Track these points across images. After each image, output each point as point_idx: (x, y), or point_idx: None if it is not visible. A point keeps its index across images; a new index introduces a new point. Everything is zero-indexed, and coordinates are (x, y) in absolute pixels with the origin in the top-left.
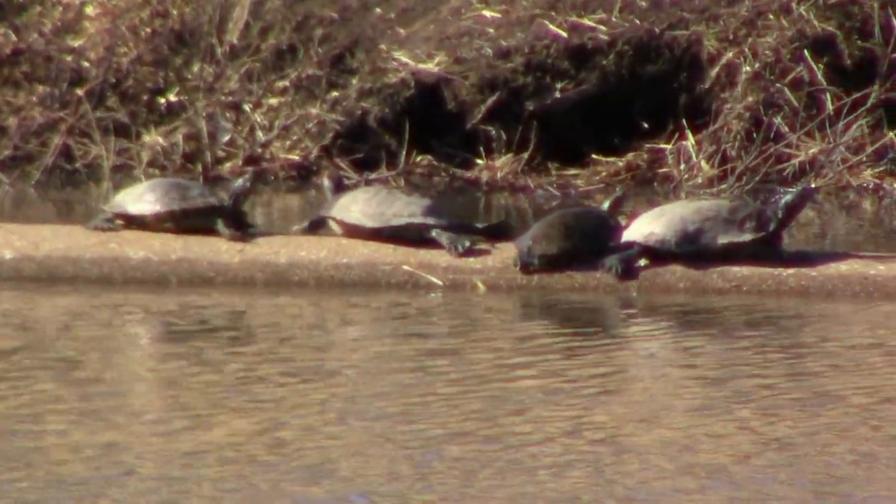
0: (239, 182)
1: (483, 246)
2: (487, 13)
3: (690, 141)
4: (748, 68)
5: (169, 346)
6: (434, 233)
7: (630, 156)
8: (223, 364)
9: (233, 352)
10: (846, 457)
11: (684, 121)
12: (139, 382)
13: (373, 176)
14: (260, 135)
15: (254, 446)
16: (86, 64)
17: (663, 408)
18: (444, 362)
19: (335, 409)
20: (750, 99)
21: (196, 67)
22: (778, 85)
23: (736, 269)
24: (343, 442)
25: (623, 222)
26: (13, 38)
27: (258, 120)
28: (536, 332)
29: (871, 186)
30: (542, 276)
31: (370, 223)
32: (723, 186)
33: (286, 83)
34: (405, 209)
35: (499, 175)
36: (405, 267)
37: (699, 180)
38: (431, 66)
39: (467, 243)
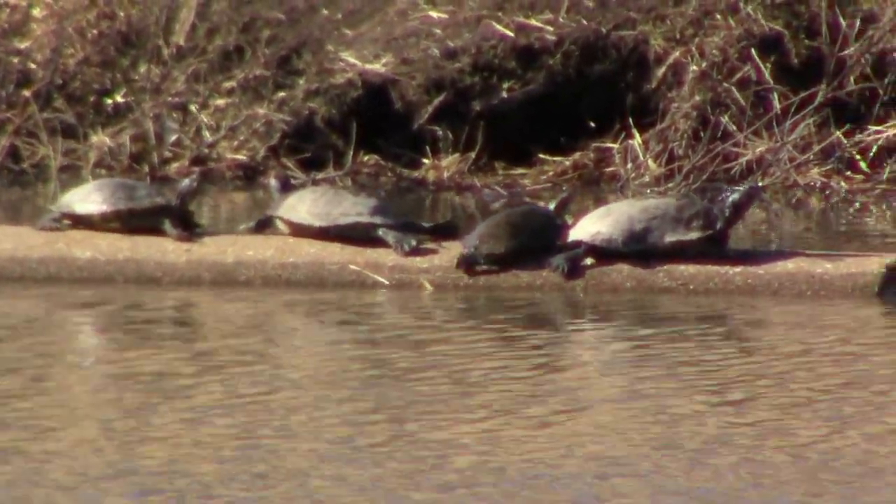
0: (186, 182)
1: (430, 245)
2: (434, 14)
3: (637, 140)
4: (695, 67)
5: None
6: (381, 232)
7: (577, 155)
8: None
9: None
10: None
11: (631, 120)
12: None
13: (320, 176)
14: (207, 135)
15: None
16: (32, 65)
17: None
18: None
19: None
20: (697, 98)
21: (143, 68)
22: (725, 84)
23: (683, 267)
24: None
25: (569, 221)
26: None
27: (205, 120)
28: (473, 329)
29: (818, 185)
30: (489, 275)
31: (317, 222)
32: (670, 185)
33: (233, 84)
34: (352, 209)
35: (445, 174)
36: (352, 266)
37: (646, 179)
38: (378, 67)
39: (414, 242)
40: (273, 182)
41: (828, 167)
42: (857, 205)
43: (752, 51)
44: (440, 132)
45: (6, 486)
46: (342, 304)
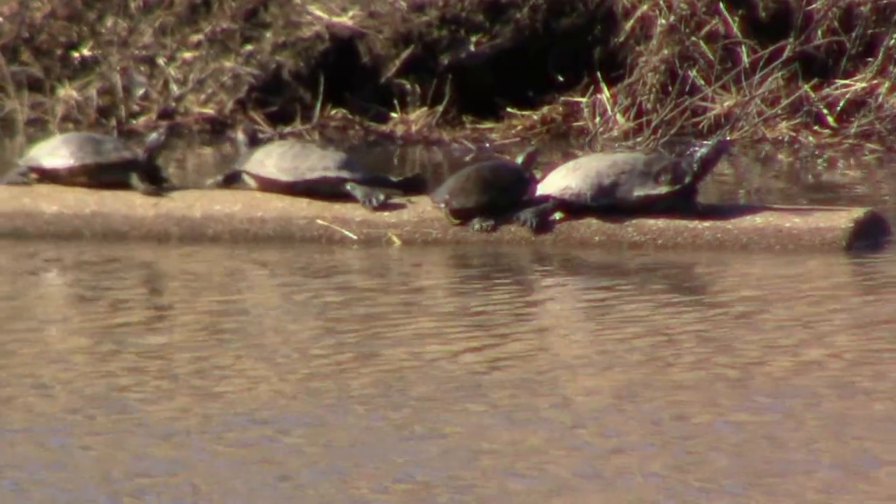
0: (153, 136)
1: (398, 200)
2: None
3: (606, 94)
4: (663, 21)
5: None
6: (349, 186)
7: (545, 109)
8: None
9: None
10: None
11: (599, 74)
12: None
13: (287, 130)
14: (174, 88)
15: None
16: None
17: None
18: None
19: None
20: (665, 52)
21: (110, 21)
22: (693, 38)
23: (651, 221)
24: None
25: (537, 176)
26: None
27: (172, 74)
28: (439, 283)
29: (786, 139)
30: (457, 230)
31: (284, 177)
32: (638, 140)
33: (200, 37)
34: (319, 163)
35: (413, 129)
36: (320, 221)
37: (615, 133)
38: (346, 20)
39: (382, 197)
40: (240, 136)
41: (796, 121)
42: (825, 159)
43: (720, 4)
44: (408, 86)
45: None
46: (309, 259)
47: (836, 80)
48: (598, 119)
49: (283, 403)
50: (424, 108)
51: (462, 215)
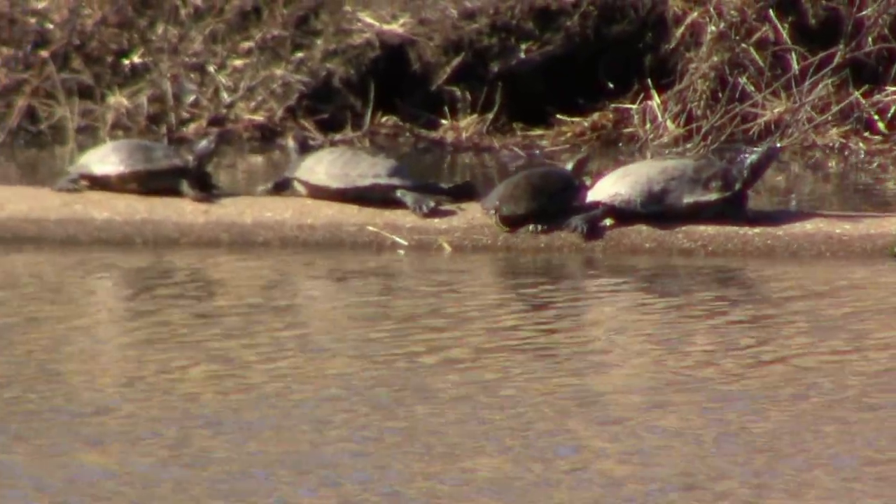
0: (203, 143)
1: (448, 206)
2: None
3: (656, 100)
4: (713, 28)
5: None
6: (399, 193)
7: (595, 116)
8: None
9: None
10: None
11: (650, 81)
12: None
13: (338, 137)
14: (224, 96)
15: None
16: (50, 26)
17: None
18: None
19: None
20: (715, 58)
21: (160, 29)
22: (743, 45)
23: (702, 228)
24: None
25: (587, 182)
26: None
27: (223, 81)
28: (495, 290)
29: (836, 146)
30: (507, 236)
31: (335, 184)
32: (688, 146)
33: (251, 44)
34: (370, 170)
35: (464, 135)
36: (370, 227)
37: (665, 140)
38: (396, 27)
39: (432, 203)
40: (291, 143)
41: (846, 128)
42: (876, 165)
43: (770, 11)
44: (458, 93)
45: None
46: (361, 265)
47: (887, 87)
48: (648, 125)
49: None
50: (475, 115)
51: (512, 222)
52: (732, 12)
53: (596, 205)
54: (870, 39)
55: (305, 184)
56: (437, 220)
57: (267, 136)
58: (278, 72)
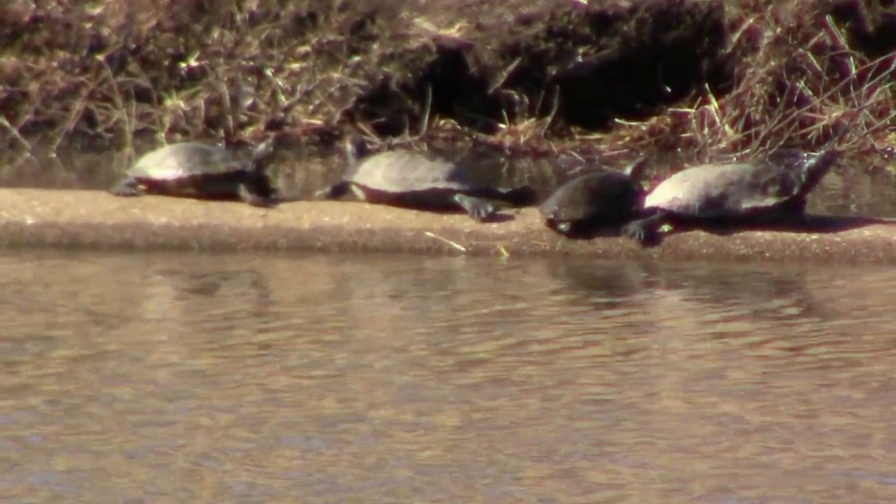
0: (261, 147)
1: (506, 211)
2: None
3: (714, 105)
4: (770, 33)
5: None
6: (457, 198)
7: (653, 120)
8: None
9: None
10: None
11: (707, 85)
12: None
13: (396, 141)
14: (282, 99)
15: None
16: (106, 31)
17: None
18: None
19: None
20: (772, 63)
21: (216, 33)
22: (800, 49)
23: (759, 234)
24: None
25: (645, 187)
26: (32, 5)
27: (280, 84)
28: (555, 296)
29: (894, 150)
30: (565, 241)
31: (393, 188)
32: (746, 151)
33: (307, 48)
34: (428, 174)
35: (522, 140)
36: (428, 233)
37: (723, 145)
38: (453, 33)
39: (490, 208)
40: (349, 147)
41: None
42: None
43: (827, 17)
44: (516, 97)
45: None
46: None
47: None
48: (706, 130)
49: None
50: (532, 120)
51: (572, 226)
52: (789, 18)
53: (654, 210)
54: None
55: (363, 188)
56: (494, 225)
57: (325, 140)
58: (335, 75)
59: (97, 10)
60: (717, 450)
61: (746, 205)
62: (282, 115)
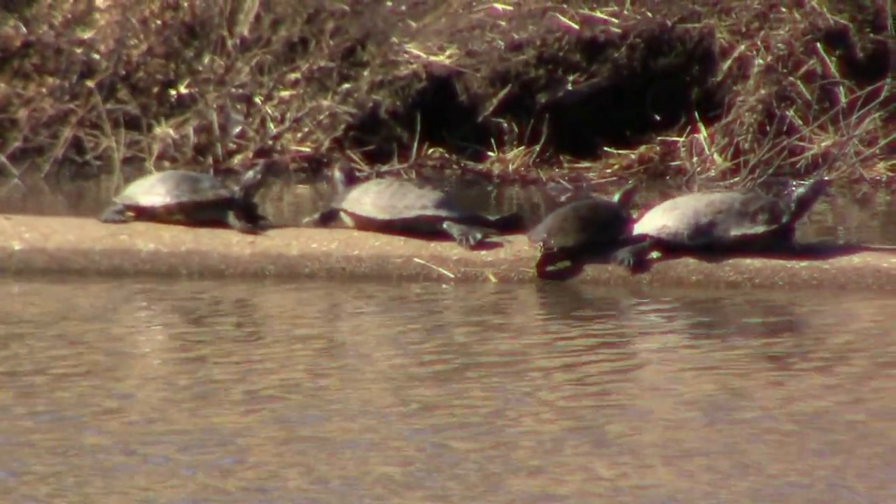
0: (250, 174)
1: (495, 238)
2: (499, 6)
3: (703, 133)
4: (761, 61)
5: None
6: (446, 225)
7: (642, 148)
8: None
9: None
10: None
11: (697, 113)
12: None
13: (384, 168)
14: (271, 127)
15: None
16: (96, 56)
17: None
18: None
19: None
20: (762, 91)
21: (207, 59)
22: (791, 78)
23: (748, 261)
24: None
25: (634, 215)
26: (23, 30)
27: (269, 112)
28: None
29: (884, 179)
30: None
31: (382, 215)
32: (735, 179)
33: (297, 75)
34: (417, 201)
35: (510, 167)
36: (417, 259)
37: (712, 173)
38: (443, 59)
39: (479, 236)
40: (338, 174)
41: (893, 161)
42: None
43: (818, 44)
44: (505, 125)
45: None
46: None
47: None
48: (695, 159)
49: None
50: (522, 147)
51: (561, 254)
52: (780, 45)
53: (643, 237)
54: None
55: (352, 215)
56: (483, 253)
57: (313, 168)
58: (325, 103)
59: (88, 35)
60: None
61: (735, 233)
62: (271, 142)
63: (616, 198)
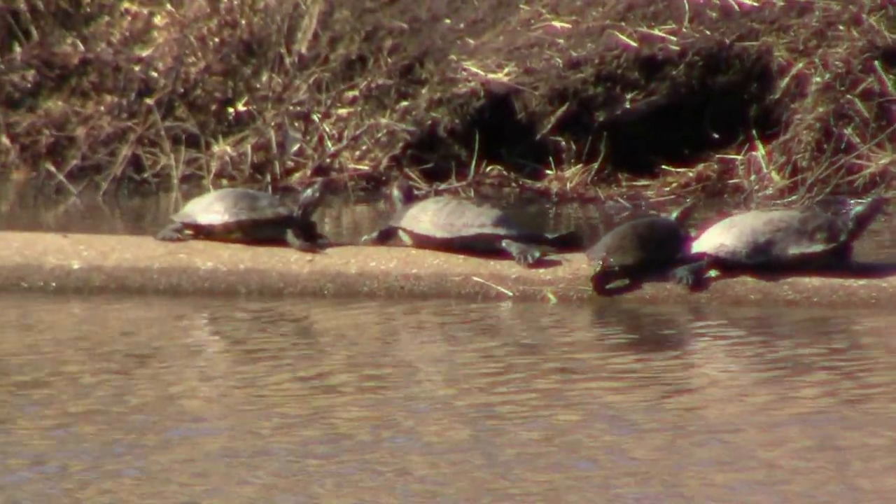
0: (308, 192)
1: (553, 257)
2: (557, 24)
3: (761, 151)
4: (818, 79)
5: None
6: (504, 243)
7: (700, 166)
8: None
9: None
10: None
11: (754, 131)
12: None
13: (443, 186)
14: (329, 145)
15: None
16: (154, 74)
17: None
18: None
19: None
20: (820, 109)
21: (265, 77)
22: (848, 96)
23: (807, 280)
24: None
25: (692, 233)
26: (81, 48)
27: (327, 130)
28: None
29: None
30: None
31: (440, 234)
32: (793, 197)
33: (355, 93)
34: (475, 220)
35: (568, 185)
36: (475, 278)
37: (770, 191)
38: (501, 77)
39: (537, 254)
40: (396, 192)
41: None
42: None
43: (876, 62)
44: (563, 143)
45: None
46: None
47: None
48: (753, 177)
49: None
50: (579, 165)
51: (621, 272)
52: (837, 63)
53: (701, 256)
54: None
55: (410, 233)
56: (542, 271)
57: (372, 186)
58: (383, 121)
59: (146, 53)
60: None
61: (793, 251)
62: (329, 160)
63: (674, 216)
